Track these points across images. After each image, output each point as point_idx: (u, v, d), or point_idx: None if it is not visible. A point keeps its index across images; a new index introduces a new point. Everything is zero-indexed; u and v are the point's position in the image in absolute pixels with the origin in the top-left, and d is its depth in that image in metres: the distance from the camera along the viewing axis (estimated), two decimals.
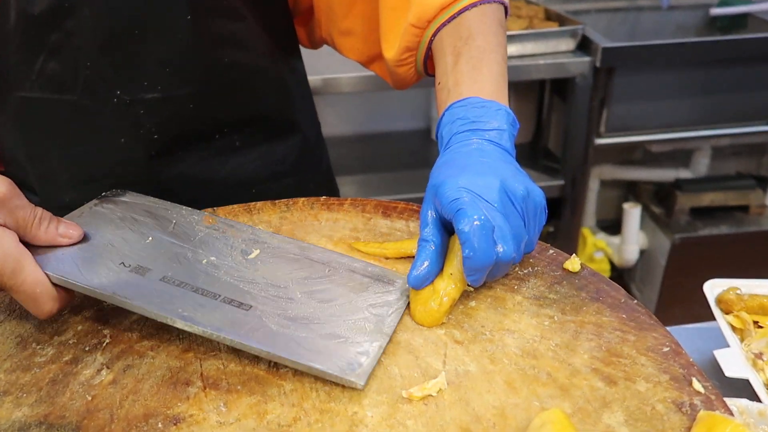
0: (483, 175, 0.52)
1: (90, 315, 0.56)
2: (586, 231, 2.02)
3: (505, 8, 0.70)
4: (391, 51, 0.71)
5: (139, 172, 0.73)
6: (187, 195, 0.71)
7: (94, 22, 0.65)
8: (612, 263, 2.05)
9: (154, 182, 0.74)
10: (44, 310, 0.51)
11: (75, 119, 0.69)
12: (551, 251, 0.60)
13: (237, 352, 0.51)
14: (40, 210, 0.53)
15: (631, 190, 2.08)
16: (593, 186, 1.98)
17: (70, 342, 0.53)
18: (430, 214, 0.54)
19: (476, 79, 0.61)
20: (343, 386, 0.47)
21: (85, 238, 0.56)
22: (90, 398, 0.47)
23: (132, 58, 0.67)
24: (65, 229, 0.54)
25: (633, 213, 1.95)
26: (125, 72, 0.68)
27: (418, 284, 0.52)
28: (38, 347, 0.53)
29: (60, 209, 0.59)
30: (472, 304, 0.55)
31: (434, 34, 0.67)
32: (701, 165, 1.92)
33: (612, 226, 2.09)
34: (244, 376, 0.49)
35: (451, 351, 0.50)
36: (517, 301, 0.55)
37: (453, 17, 0.65)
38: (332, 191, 0.95)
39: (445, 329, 0.52)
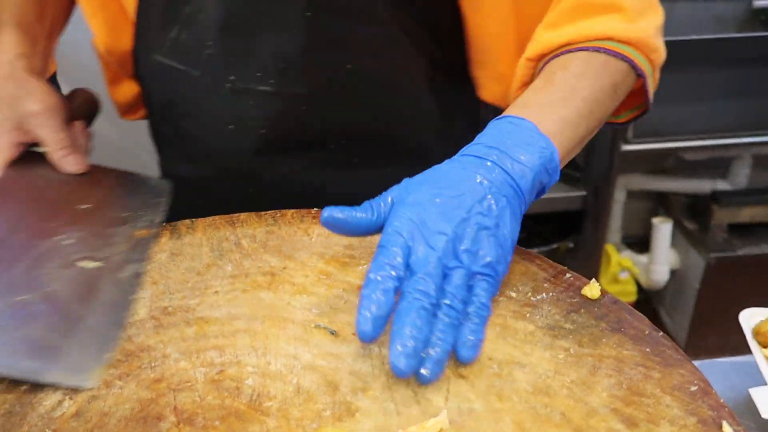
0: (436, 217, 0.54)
1: None
2: (610, 248, 2.03)
3: (642, 78, 0.69)
4: (504, 94, 0.75)
5: (242, 163, 0.79)
6: (286, 201, 0.75)
7: (215, 2, 0.70)
8: (639, 285, 2.06)
9: (256, 178, 0.79)
10: None
11: (194, 94, 0.77)
12: (568, 275, 0.61)
13: (215, 383, 0.52)
14: (60, 136, 0.70)
15: (662, 203, 2.09)
16: (619, 197, 1.99)
17: None
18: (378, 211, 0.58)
19: (544, 112, 0.61)
20: (333, 424, 0.48)
21: None
22: None
23: (247, 45, 0.72)
24: (71, 160, 0.71)
25: (663, 228, 1.96)
26: (240, 58, 0.73)
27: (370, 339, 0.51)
28: None
29: (177, 178, 0.76)
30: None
31: (545, 63, 0.68)
32: (741, 176, 1.93)
33: (639, 242, 2.10)
34: (222, 410, 0.50)
35: (455, 386, 0.51)
36: (529, 330, 0.55)
37: (571, 51, 0.66)
38: None
39: (448, 361, 0.53)
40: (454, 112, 0.85)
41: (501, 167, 0.56)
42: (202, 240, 0.67)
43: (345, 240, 0.67)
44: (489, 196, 0.55)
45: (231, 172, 0.80)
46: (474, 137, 0.88)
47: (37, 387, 0.52)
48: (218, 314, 0.58)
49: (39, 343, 0.54)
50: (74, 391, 0.51)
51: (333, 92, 0.75)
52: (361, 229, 0.57)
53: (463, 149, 0.60)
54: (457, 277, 0.52)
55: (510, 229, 0.55)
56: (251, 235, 0.68)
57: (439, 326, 0.50)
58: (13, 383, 0.52)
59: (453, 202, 0.54)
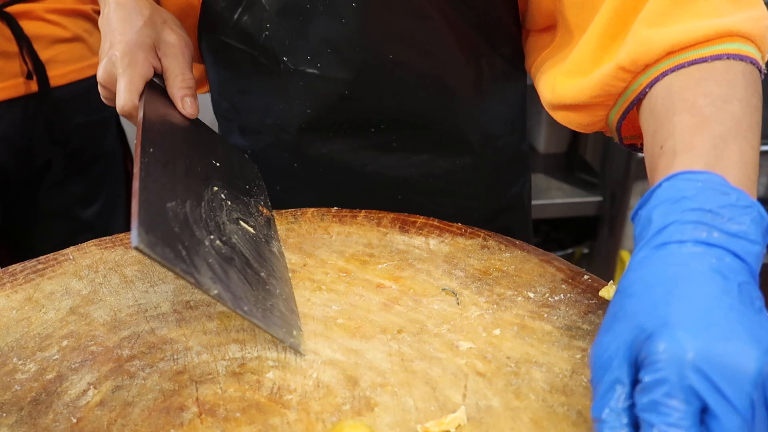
0: (732, 343, 0.37)
1: (76, 329, 0.57)
2: (625, 254, 2.02)
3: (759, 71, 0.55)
4: (580, 92, 0.63)
5: (290, 140, 0.82)
6: (328, 178, 0.80)
7: None
8: None
9: (302, 155, 0.82)
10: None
11: (251, 73, 0.80)
12: (586, 277, 0.62)
13: (236, 376, 0.52)
14: (188, 75, 0.70)
15: None
16: (635, 203, 1.99)
17: (55, 358, 0.55)
18: (620, 372, 0.40)
19: (721, 156, 0.48)
20: (353, 416, 0.49)
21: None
22: (75, 421, 0.49)
23: (301, 29, 0.74)
24: (190, 102, 0.70)
25: None
26: (293, 41, 0.75)
27: None
28: (19, 362, 0.54)
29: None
30: (497, 332, 0.56)
31: (652, 83, 0.56)
32: (760, 185, 1.92)
33: None
34: (243, 402, 0.50)
35: (473, 383, 0.51)
36: (547, 330, 0.56)
37: (684, 65, 0.55)
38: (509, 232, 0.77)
39: (466, 359, 0.53)
40: (498, 106, 0.85)
41: (731, 252, 0.42)
42: None
43: (364, 239, 0.67)
44: (737, 280, 0.41)
45: (279, 146, 0.83)
46: (518, 132, 0.91)
47: (62, 376, 0.53)
48: None
49: (252, 296, 0.53)
50: (99, 380, 0.52)
51: (375, 80, 0.76)
52: None
53: (655, 233, 0.45)
54: None
55: None
56: None
57: None
58: (41, 371, 0.53)
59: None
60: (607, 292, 0.59)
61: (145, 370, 0.54)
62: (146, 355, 0.55)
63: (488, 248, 0.66)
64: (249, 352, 0.55)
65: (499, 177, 0.90)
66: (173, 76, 0.70)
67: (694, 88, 0.53)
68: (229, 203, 0.62)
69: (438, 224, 0.69)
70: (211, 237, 0.55)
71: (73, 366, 0.54)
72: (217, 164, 0.67)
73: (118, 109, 0.66)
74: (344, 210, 0.71)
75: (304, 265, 0.64)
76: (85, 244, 0.68)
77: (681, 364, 0.37)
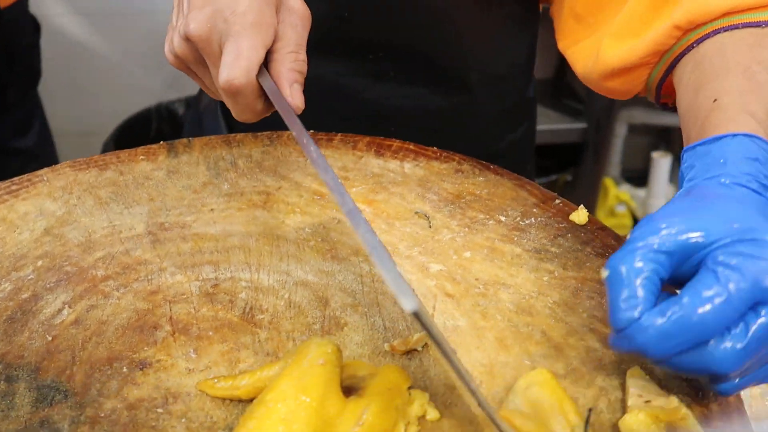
0: None
1: (50, 249, 0.58)
2: (608, 181, 2.04)
3: None
4: (632, 54, 0.62)
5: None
6: (320, 102, 0.72)
7: None
8: (635, 219, 2.08)
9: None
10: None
11: None
12: (557, 201, 0.62)
13: (209, 296, 0.53)
14: (302, 56, 0.56)
15: (663, 138, 2.08)
16: (620, 131, 1.99)
17: (29, 278, 0.55)
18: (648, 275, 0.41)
19: None
20: (323, 335, 0.50)
21: None
22: (50, 338, 0.50)
23: None
24: (296, 91, 0.55)
25: (663, 163, 1.96)
26: None
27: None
28: None
29: None
30: (467, 254, 0.57)
31: (701, 39, 0.57)
32: None
33: (638, 177, 2.11)
34: (216, 321, 0.51)
35: (441, 304, 0.52)
36: (516, 253, 0.57)
37: (737, 26, 0.55)
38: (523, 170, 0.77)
39: (436, 280, 0.54)
40: (504, 47, 0.83)
41: None
42: (199, 159, 0.68)
43: (339, 162, 0.67)
44: None
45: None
46: (524, 78, 0.87)
47: (38, 295, 0.53)
48: (213, 231, 0.60)
49: None
50: (74, 300, 0.53)
51: (376, 5, 0.74)
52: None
53: (743, 177, 0.45)
54: None
55: None
56: (247, 155, 0.69)
57: None
58: (16, 290, 0.54)
59: None
60: (577, 216, 0.60)
61: (120, 290, 0.54)
62: (120, 275, 0.56)
63: (462, 172, 0.66)
64: (222, 273, 0.55)
65: (497, 122, 0.88)
66: (286, 52, 0.55)
67: (748, 52, 0.53)
68: None
69: (414, 148, 0.69)
70: None
71: (48, 286, 0.54)
72: None
73: (222, 81, 0.51)
74: (320, 133, 0.71)
75: (279, 188, 0.64)
76: (59, 165, 0.68)
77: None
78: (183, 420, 0.44)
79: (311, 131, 0.71)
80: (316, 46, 0.76)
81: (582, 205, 0.60)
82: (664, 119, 1.99)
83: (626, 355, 0.48)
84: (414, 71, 0.80)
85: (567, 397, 0.43)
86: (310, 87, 0.79)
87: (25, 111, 1.25)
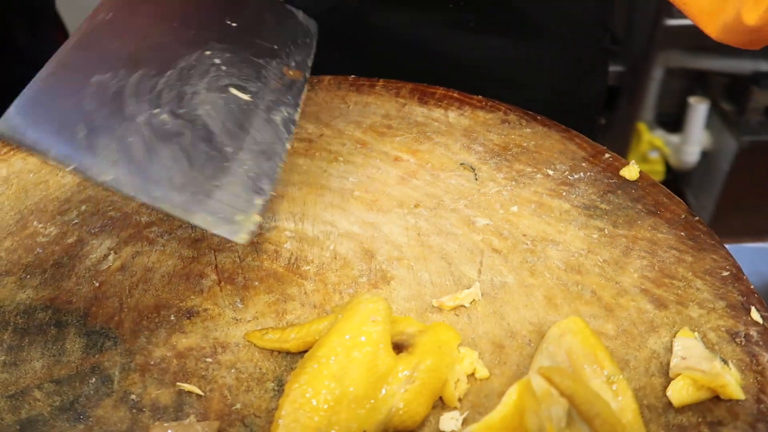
0: None
1: (93, 194, 0.58)
2: (642, 126, 1.99)
3: None
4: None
5: (354, 4, 0.76)
6: (391, 49, 0.72)
7: None
8: (668, 165, 2.04)
9: (366, 21, 0.76)
10: None
11: None
12: (607, 155, 0.61)
13: (254, 246, 0.53)
14: None
15: (700, 83, 2.03)
16: (656, 74, 1.94)
17: (75, 222, 0.55)
18: None
19: None
20: (368, 290, 0.49)
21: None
22: (97, 284, 0.50)
23: None
24: None
25: (699, 108, 1.91)
26: None
27: None
28: (40, 226, 0.55)
29: None
30: (514, 209, 0.56)
31: None
32: None
33: (672, 122, 2.06)
34: (261, 271, 0.51)
35: (488, 260, 0.52)
36: (565, 209, 0.56)
37: None
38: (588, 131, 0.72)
39: (482, 235, 0.53)
40: None
41: None
42: None
43: (382, 110, 0.66)
44: None
45: (344, 10, 0.76)
46: (600, 32, 0.83)
47: (83, 240, 0.53)
48: None
49: (189, 177, 0.47)
50: (119, 246, 0.53)
51: None
52: None
53: None
54: None
55: None
56: None
57: None
58: (62, 235, 0.54)
59: None
60: (628, 171, 0.58)
61: (164, 236, 0.54)
62: (164, 222, 0.55)
63: (509, 122, 0.64)
64: (267, 222, 0.55)
65: (573, 73, 0.84)
66: None
67: None
68: (224, 68, 0.55)
69: (458, 96, 0.68)
70: (155, 111, 0.48)
71: (93, 231, 0.54)
72: (232, 24, 0.60)
73: None
74: (362, 78, 0.70)
75: (321, 135, 0.63)
76: None
77: None
78: (232, 370, 0.44)
79: (352, 76, 0.70)
80: None
81: (633, 161, 0.59)
82: (702, 62, 1.93)
83: (678, 317, 0.47)
84: (492, 23, 0.76)
85: (601, 346, 0.43)
86: (382, 34, 0.76)
87: (44, 53, 1.22)
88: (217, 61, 0.55)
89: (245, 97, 0.54)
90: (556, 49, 0.79)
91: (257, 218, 0.47)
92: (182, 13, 0.56)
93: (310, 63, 0.61)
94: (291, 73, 0.59)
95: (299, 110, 0.56)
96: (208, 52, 0.55)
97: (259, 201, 0.48)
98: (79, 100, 0.45)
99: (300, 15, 0.65)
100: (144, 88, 0.49)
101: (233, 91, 0.54)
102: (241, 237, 0.46)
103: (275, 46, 0.60)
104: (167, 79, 0.51)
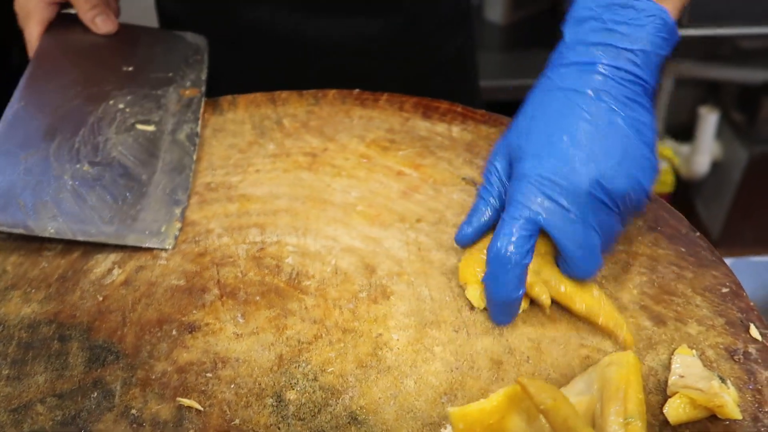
0: (572, 165, 0.46)
1: None
2: None
3: None
4: None
5: (221, 3, 0.79)
6: (262, 43, 0.77)
7: None
8: (678, 176, 2.04)
9: (233, 20, 0.79)
10: None
11: None
12: None
13: (256, 260, 0.53)
14: None
15: (711, 92, 2.02)
16: (666, 84, 1.93)
17: None
18: (498, 168, 0.52)
19: None
20: (368, 305, 0.50)
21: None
22: (101, 299, 0.51)
23: None
24: (102, 20, 0.69)
25: (709, 118, 1.91)
26: None
27: (465, 243, 0.52)
28: (45, 240, 0.56)
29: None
30: None
31: None
32: None
33: (683, 132, 2.05)
34: (263, 286, 0.52)
35: None
36: None
37: None
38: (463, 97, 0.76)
39: (483, 252, 0.54)
40: None
41: (614, 70, 0.48)
42: (244, 117, 0.68)
43: (386, 124, 0.66)
44: (611, 103, 0.48)
45: (211, 10, 0.80)
46: None
47: (88, 254, 0.54)
48: (260, 192, 0.60)
49: (114, 210, 0.56)
50: (123, 260, 0.54)
51: None
52: (497, 213, 0.51)
53: (559, 55, 0.51)
54: None
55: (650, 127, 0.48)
56: (292, 114, 0.68)
57: None
58: (67, 249, 0.54)
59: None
60: None
61: (167, 251, 0.55)
62: None
63: None
64: (269, 237, 0.55)
65: (434, 36, 0.85)
66: (77, 4, 0.69)
67: None
68: (127, 110, 0.64)
69: (462, 111, 0.68)
70: (77, 166, 0.58)
71: (98, 245, 0.55)
72: (129, 69, 0.69)
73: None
74: (366, 93, 0.70)
75: (325, 150, 0.64)
76: None
77: (534, 183, 0.46)
78: (232, 386, 0.45)
79: (357, 90, 0.70)
80: None
81: None
82: (713, 72, 1.92)
83: (677, 334, 0.47)
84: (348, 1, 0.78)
85: (637, 386, 0.42)
86: (251, 29, 0.79)
87: None
88: (120, 106, 0.65)
89: (150, 128, 0.64)
90: (406, 17, 0.80)
91: (178, 224, 0.57)
92: (84, 77, 0.67)
93: (204, 77, 0.70)
94: (187, 92, 0.68)
95: (199, 122, 0.65)
96: (111, 102, 0.65)
97: (177, 210, 0.58)
98: (15, 177, 0.56)
99: (188, 36, 0.75)
100: (64, 151, 0.59)
101: (139, 126, 0.63)
102: (169, 243, 0.55)
103: (169, 74, 0.69)
104: (81, 137, 0.61)
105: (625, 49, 0.48)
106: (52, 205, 0.55)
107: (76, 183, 0.57)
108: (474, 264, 0.50)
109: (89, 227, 0.55)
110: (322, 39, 0.79)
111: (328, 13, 0.78)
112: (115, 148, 0.61)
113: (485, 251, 0.47)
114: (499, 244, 0.45)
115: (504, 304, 0.47)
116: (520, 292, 0.46)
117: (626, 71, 0.48)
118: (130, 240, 0.55)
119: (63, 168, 0.58)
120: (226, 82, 0.72)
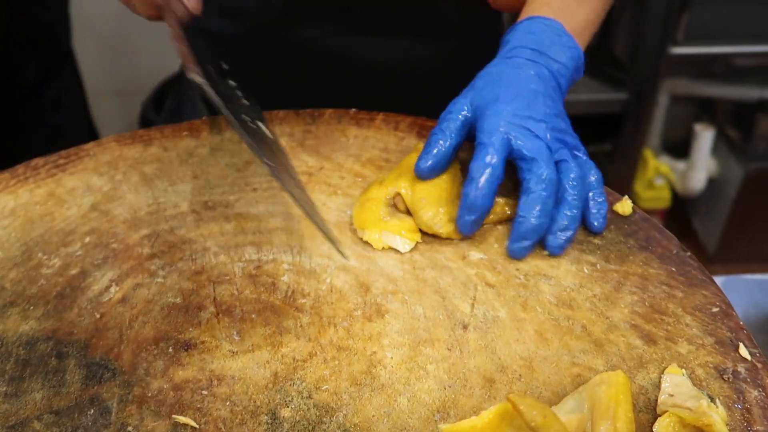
0: (534, 112, 0.57)
1: (97, 225, 0.59)
2: (648, 152, 2.00)
3: None
4: None
5: (271, 23, 0.80)
6: (311, 63, 0.80)
7: None
8: (674, 192, 2.05)
9: (284, 39, 0.81)
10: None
11: None
12: None
13: (252, 278, 0.54)
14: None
15: (706, 110, 2.03)
16: (662, 101, 1.95)
17: (78, 254, 0.56)
18: (463, 114, 0.59)
19: (573, 11, 0.64)
20: (363, 324, 0.50)
21: None
22: (99, 316, 0.51)
23: None
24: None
25: (705, 135, 1.92)
26: None
27: (425, 175, 0.58)
28: (44, 257, 0.56)
29: (214, 35, 0.80)
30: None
31: None
32: None
33: (678, 148, 2.07)
34: (258, 304, 0.52)
35: (481, 294, 0.53)
36: None
37: None
38: None
39: (476, 269, 0.54)
40: None
41: (548, 69, 0.60)
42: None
43: (381, 143, 0.67)
44: (549, 93, 0.59)
45: (260, 31, 0.81)
46: (492, 19, 0.89)
47: (86, 272, 0.55)
48: (256, 211, 0.60)
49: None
50: (120, 278, 0.54)
51: None
52: (453, 153, 0.60)
53: (507, 50, 0.62)
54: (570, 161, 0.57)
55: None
56: (289, 134, 0.69)
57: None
58: (65, 267, 0.55)
59: (529, 97, 0.58)
60: (621, 206, 0.59)
61: (165, 269, 0.55)
62: (165, 254, 0.57)
63: None
64: (265, 255, 0.56)
65: (480, 64, 0.87)
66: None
67: None
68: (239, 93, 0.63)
69: None
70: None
71: (96, 262, 0.56)
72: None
73: (194, 10, 0.61)
74: (362, 112, 0.71)
75: (321, 169, 0.65)
76: (104, 139, 0.69)
77: (508, 118, 0.56)
78: (227, 403, 0.45)
79: (353, 110, 0.71)
80: (303, 8, 0.78)
81: (626, 196, 0.60)
82: (708, 90, 1.94)
83: (667, 353, 0.48)
84: (396, 24, 0.81)
85: (626, 405, 0.43)
86: (300, 49, 0.81)
87: (52, 89, 1.22)
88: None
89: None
90: (455, 43, 0.84)
91: None
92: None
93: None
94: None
95: None
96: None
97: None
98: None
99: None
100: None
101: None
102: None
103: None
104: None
105: (554, 60, 0.61)
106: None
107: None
108: (368, 210, 0.57)
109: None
110: (371, 59, 0.82)
111: (380, 35, 0.81)
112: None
113: (385, 194, 0.58)
114: (487, 159, 0.54)
115: (482, 213, 0.55)
116: (492, 201, 0.55)
117: (551, 72, 0.61)
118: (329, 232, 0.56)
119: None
120: (269, 102, 0.72)
